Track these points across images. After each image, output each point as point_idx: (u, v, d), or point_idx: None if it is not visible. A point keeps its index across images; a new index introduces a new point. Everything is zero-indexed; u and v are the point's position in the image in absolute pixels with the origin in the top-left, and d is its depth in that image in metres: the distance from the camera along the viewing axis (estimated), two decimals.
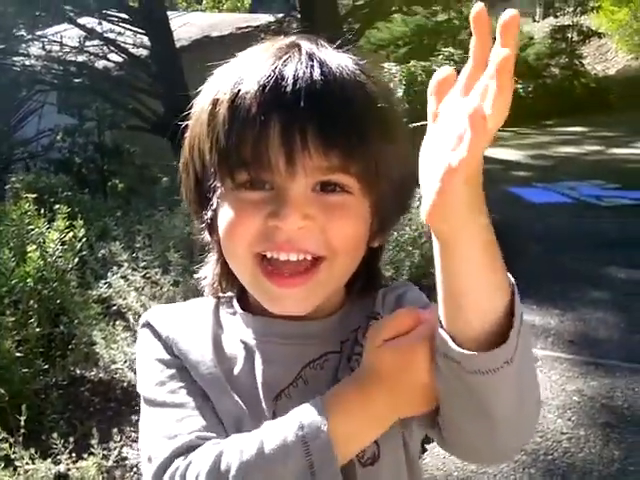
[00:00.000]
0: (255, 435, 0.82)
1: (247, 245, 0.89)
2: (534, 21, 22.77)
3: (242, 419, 0.90)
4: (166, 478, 0.84)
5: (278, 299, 0.90)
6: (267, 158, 0.85)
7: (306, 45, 0.90)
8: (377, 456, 0.94)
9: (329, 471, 0.76)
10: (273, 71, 0.86)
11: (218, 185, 0.92)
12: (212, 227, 0.96)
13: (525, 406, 0.81)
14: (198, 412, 0.89)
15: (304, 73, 0.85)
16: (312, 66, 0.86)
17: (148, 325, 1.00)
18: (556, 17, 20.41)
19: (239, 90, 0.87)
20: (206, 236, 0.99)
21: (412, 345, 0.83)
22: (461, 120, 0.64)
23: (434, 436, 0.92)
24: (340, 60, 0.90)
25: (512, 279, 0.75)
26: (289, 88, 0.84)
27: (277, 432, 0.79)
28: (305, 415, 0.79)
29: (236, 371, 0.94)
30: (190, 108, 0.97)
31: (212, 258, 1.03)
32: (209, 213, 0.95)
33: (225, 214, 0.91)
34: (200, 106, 0.93)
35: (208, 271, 1.04)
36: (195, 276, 1.08)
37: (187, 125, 0.97)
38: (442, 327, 0.76)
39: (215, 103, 0.89)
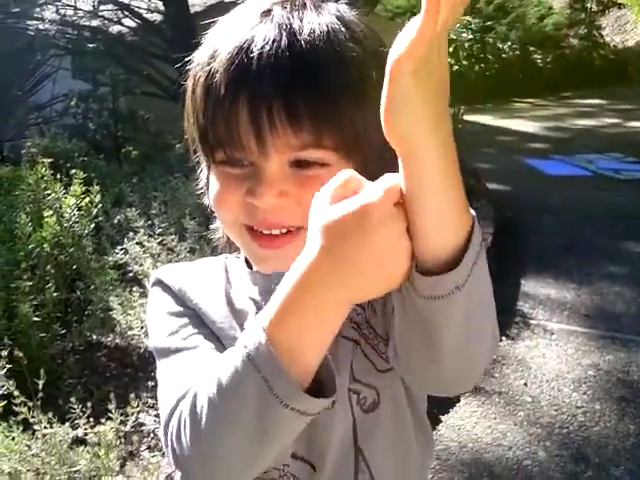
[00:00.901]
0: (214, 369, 0.80)
1: (235, 216, 0.91)
2: None
3: None
4: (172, 421, 0.84)
5: (264, 259, 0.92)
6: (239, 139, 0.85)
7: (279, 13, 0.88)
8: (377, 402, 0.96)
9: (283, 381, 0.71)
10: (241, 48, 0.85)
11: (202, 158, 0.95)
12: (208, 192, 0.98)
13: (475, 336, 0.77)
14: (213, 353, 0.90)
15: (270, 47, 0.84)
16: (280, 40, 0.84)
17: (159, 282, 1.01)
18: None
19: (211, 69, 0.87)
20: (205, 199, 1.01)
21: (365, 204, 0.69)
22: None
23: (399, 371, 0.91)
24: (315, 24, 0.87)
25: (472, 211, 0.72)
26: (254, 66, 0.83)
27: (228, 361, 0.76)
28: (246, 334, 0.76)
29: (246, 325, 0.95)
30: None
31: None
32: (203, 180, 0.99)
33: (212, 185, 0.93)
34: (189, 76, 0.94)
35: (217, 228, 1.08)
36: (211, 227, 1.11)
37: None
38: None
39: (194, 79, 0.91)
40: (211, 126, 0.88)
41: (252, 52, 0.84)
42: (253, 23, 0.87)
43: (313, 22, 0.87)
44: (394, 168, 0.82)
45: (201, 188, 1.02)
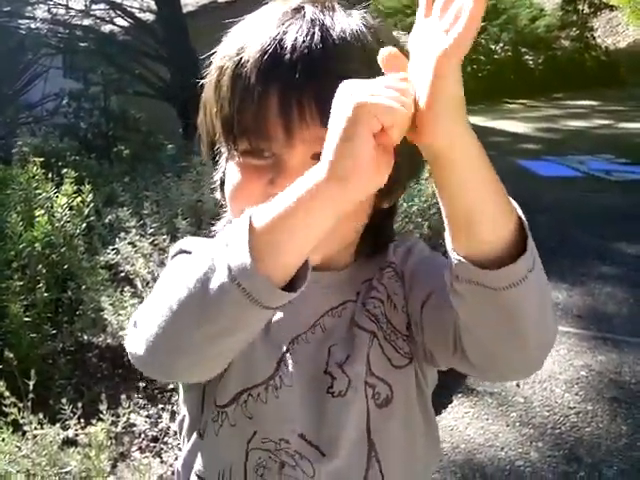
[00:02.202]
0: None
1: (251, 207, 0.89)
2: None
3: (255, 344, 0.92)
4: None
5: None
6: (266, 128, 0.86)
7: (310, 10, 0.89)
8: (390, 398, 0.97)
9: (256, 279, 0.70)
10: (274, 39, 0.86)
11: (224, 149, 0.94)
12: (222, 186, 0.98)
13: (548, 310, 0.82)
14: None
15: (303, 41, 0.85)
16: (313, 33, 0.86)
17: (182, 251, 0.98)
18: None
19: (241, 59, 0.87)
20: (218, 194, 1.01)
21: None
22: (452, 10, 0.65)
23: (456, 364, 0.92)
24: (345, 24, 0.89)
25: (512, 200, 0.76)
26: (287, 57, 0.84)
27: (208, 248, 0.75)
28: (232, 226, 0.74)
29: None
30: (197, 74, 0.98)
31: (226, 215, 1.05)
32: (219, 173, 0.99)
33: (230, 177, 0.93)
34: (211, 69, 0.94)
35: (221, 224, 1.08)
36: (214, 227, 1.10)
37: (193, 92, 1.00)
38: (456, 255, 0.76)
39: (221, 69, 0.91)
40: (237, 115, 0.88)
41: (285, 43, 0.85)
42: (285, 18, 0.88)
43: (343, 22, 0.90)
44: (413, 169, 0.94)
45: (215, 183, 1.02)
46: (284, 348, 0.96)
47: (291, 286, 0.73)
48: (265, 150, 0.89)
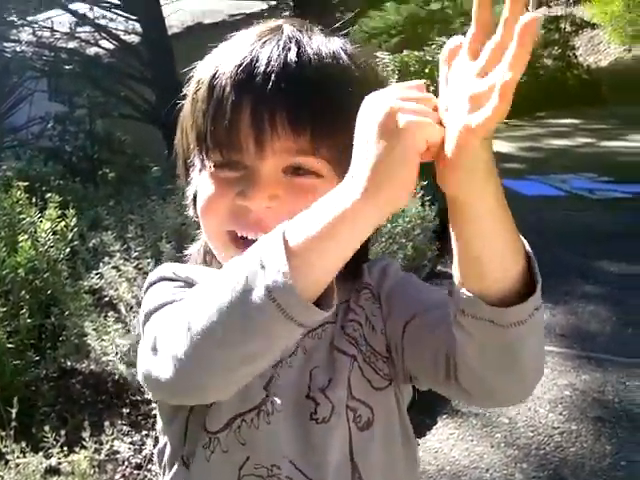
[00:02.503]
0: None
1: (219, 222, 0.92)
2: (527, 10, 22.68)
3: None
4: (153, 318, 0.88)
5: None
6: (238, 140, 0.87)
7: (289, 28, 0.92)
8: (372, 420, 0.98)
9: (293, 299, 0.70)
10: (250, 53, 0.88)
11: (197, 162, 0.95)
12: (195, 203, 0.98)
13: (543, 340, 0.86)
14: None
15: (279, 56, 0.87)
16: (289, 49, 0.88)
17: (162, 279, 0.98)
18: (549, 7, 20.39)
19: (217, 71, 0.90)
20: (190, 211, 1.02)
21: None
22: (473, 83, 0.67)
23: (446, 391, 0.95)
24: (322, 44, 0.91)
25: (522, 238, 0.79)
26: (261, 69, 0.86)
27: (236, 265, 0.76)
28: (265, 242, 0.74)
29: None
30: (181, 96, 1.00)
31: (200, 238, 1.06)
32: (192, 189, 0.99)
33: (202, 191, 0.94)
34: (190, 84, 0.97)
35: (195, 247, 1.08)
36: (184, 252, 1.11)
37: (178, 114, 1.01)
38: (465, 290, 0.78)
39: (197, 83, 0.93)
40: (211, 126, 0.89)
41: (261, 57, 0.87)
42: (263, 35, 0.91)
43: (320, 41, 0.92)
44: None
45: (188, 200, 1.02)
46: (269, 373, 0.96)
47: (318, 304, 0.74)
48: (237, 162, 0.90)
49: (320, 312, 0.72)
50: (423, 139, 0.69)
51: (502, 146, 13.06)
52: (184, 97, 0.99)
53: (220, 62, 0.91)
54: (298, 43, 0.89)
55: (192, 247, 1.09)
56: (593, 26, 19.99)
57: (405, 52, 15.93)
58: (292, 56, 0.87)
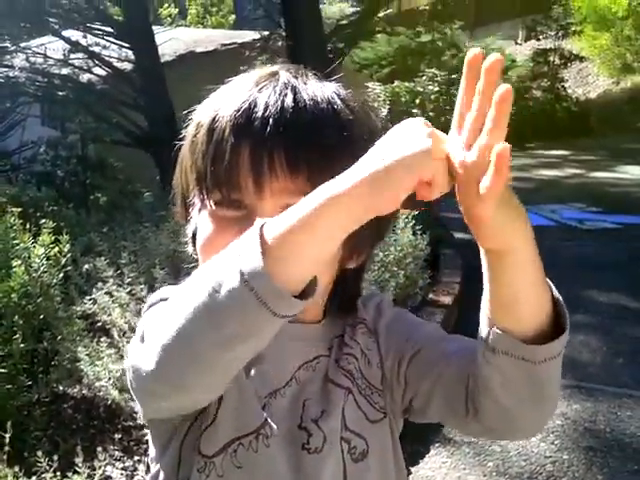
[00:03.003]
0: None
1: None
2: (516, 44, 22.97)
3: (245, 393, 0.95)
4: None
5: None
6: (237, 180, 0.90)
7: (285, 74, 0.96)
8: (366, 451, 1.01)
9: (268, 285, 0.72)
10: (248, 98, 0.91)
11: (197, 201, 0.98)
12: (194, 241, 1.01)
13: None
14: None
15: (276, 100, 0.91)
16: (285, 94, 0.91)
17: (162, 299, 0.98)
18: (538, 40, 20.60)
19: (216, 115, 0.93)
20: (190, 248, 1.04)
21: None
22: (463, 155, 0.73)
23: (467, 429, 1.01)
24: (317, 89, 0.95)
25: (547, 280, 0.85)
26: (259, 114, 0.90)
27: (217, 261, 0.78)
28: (243, 238, 0.76)
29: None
30: (174, 123, 1.04)
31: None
32: (192, 227, 1.01)
33: (201, 229, 0.97)
34: (189, 126, 1.00)
35: None
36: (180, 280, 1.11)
37: (171, 140, 1.05)
38: (498, 329, 0.84)
39: (197, 125, 0.96)
40: (211, 167, 0.92)
41: (258, 101, 0.91)
42: (260, 81, 0.95)
43: (315, 87, 0.96)
44: (379, 235, 1.01)
45: (187, 238, 1.04)
46: (263, 401, 0.97)
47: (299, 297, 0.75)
48: (237, 201, 0.92)
49: (295, 301, 0.74)
50: (423, 171, 0.73)
51: None
52: (177, 125, 1.02)
53: (219, 106, 0.94)
54: (294, 89, 0.93)
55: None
56: (582, 59, 20.20)
57: (396, 83, 16.06)
58: (289, 101, 0.91)
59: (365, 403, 1.02)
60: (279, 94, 0.91)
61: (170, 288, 1.03)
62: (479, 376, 0.90)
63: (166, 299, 0.97)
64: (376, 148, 0.75)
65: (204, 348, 0.77)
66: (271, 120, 0.89)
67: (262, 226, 0.74)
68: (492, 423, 0.93)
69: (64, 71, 10.52)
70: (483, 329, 0.87)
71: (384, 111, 13.00)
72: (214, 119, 0.93)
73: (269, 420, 0.96)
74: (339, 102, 0.96)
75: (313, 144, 0.90)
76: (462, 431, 1.01)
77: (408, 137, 0.73)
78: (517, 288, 0.81)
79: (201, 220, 0.97)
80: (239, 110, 0.91)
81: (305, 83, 0.95)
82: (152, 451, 1.04)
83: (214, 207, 0.94)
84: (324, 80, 0.99)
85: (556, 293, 0.86)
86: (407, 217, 5.21)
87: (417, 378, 1.01)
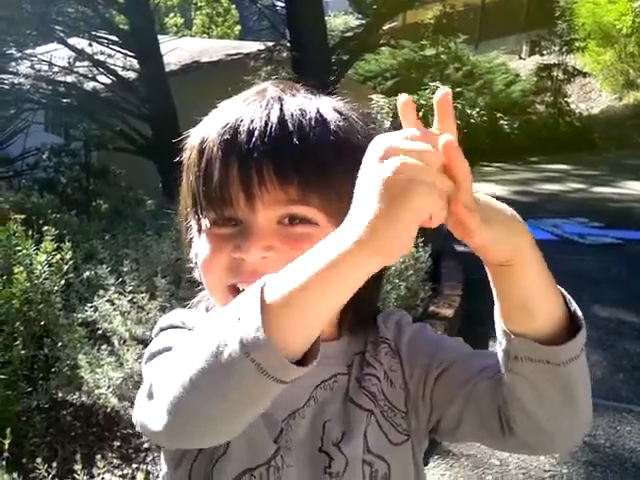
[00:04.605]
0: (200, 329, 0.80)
1: (219, 279, 0.93)
2: (520, 58, 23.04)
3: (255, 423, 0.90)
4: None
5: None
6: (229, 196, 0.90)
7: (272, 89, 0.96)
8: (388, 475, 0.99)
9: (270, 356, 0.69)
10: (234, 115, 0.92)
11: (194, 224, 0.98)
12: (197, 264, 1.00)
13: (589, 383, 0.91)
14: None
15: (261, 113, 0.90)
16: (272, 106, 0.91)
17: (172, 326, 0.99)
18: (542, 55, 20.65)
19: (205, 135, 0.94)
20: (195, 273, 1.02)
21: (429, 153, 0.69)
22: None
23: (504, 447, 0.98)
24: (306, 99, 0.95)
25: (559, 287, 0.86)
26: (245, 127, 0.90)
27: (216, 326, 0.75)
28: (243, 302, 0.73)
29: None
30: (177, 132, 1.05)
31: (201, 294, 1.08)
32: (193, 251, 1.01)
33: (200, 250, 0.96)
34: (185, 153, 1.00)
35: (197, 300, 1.10)
36: (185, 303, 1.12)
37: (174, 149, 1.04)
38: (517, 337, 0.84)
39: (190, 149, 0.97)
40: (203, 186, 0.92)
41: (245, 117, 0.91)
42: (248, 98, 0.95)
43: (304, 97, 0.95)
44: None
45: (192, 263, 1.03)
46: (281, 424, 0.95)
47: (303, 359, 0.72)
48: (230, 218, 0.92)
49: (297, 369, 0.71)
50: (427, 210, 0.68)
51: (494, 189, 13.16)
52: (181, 134, 1.03)
53: (207, 127, 0.95)
54: (281, 101, 0.93)
55: (195, 301, 1.10)
56: (585, 74, 20.25)
57: (399, 96, 16.07)
58: (275, 112, 0.90)
59: (388, 425, 1.00)
60: (265, 107, 0.91)
61: (181, 313, 1.03)
62: (507, 388, 0.89)
63: (176, 326, 0.98)
64: (369, 186, 0.68)
65: (215, 415, 0.77)
66: (256, 132, 0.89)
67: (263, 286, 0.71)
68: (527, 437, 0.92)
69: (69, 79, 10.55)
70: (502, 342, 0.86)
71: (387, 123, 13.04)
72: (203, 139, 0.94)
73: (282, 450, 0.94)
74: (330, 111, 0.95)
75: (301, 152, 0.89)
76: (499, 449, 0.99)
77: (405, 173, 0.67)
78: (527, 292, 0.81)
79: (199, 242, 0.97)
80: (225, 126, 0.91)
81: (294, 95, 0.95)
82: (164, 468, 1.04)
83: (209, 226, 0.94)
84: (318, 94, 0.98)
85: (566, 295, 0.86)
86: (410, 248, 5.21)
87: (444, 399, 0.99)
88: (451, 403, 0.98)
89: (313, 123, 0.91)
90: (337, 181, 0.89)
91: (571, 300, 0.86)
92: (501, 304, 0.84)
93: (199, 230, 0.97)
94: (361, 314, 1.03)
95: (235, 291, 0.92)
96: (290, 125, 0.90)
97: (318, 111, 0.93)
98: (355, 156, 0.88)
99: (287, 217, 0.90)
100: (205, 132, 0.94)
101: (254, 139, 0.88)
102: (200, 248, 0.96)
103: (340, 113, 0.96)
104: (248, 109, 0.92)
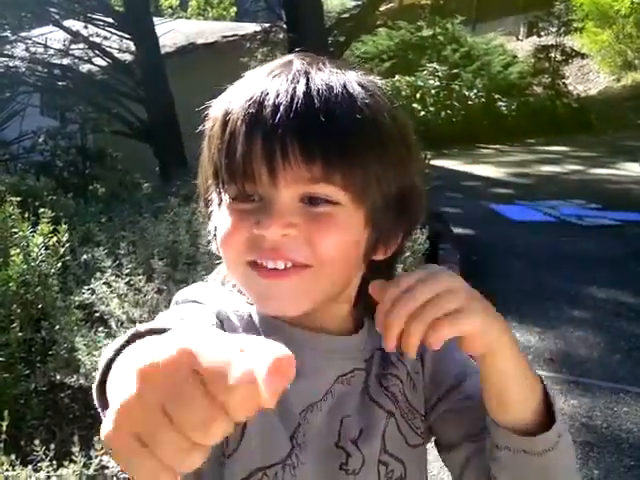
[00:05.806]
0: None
1: (238, 254, 0.91)
2: (518, 40, 22.97)
3: (271, 421, 0.89)
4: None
5: (268, 295, 0.89)
6: (251, 171, 0.87)
7: (298, 62, 0.93)
8: (404, 476, 0.98)
9: None
10: (260, 87, 0.89)
11: (215, 197, 0.95)
12: (216, 237, 0.98)
13: (575, 468, 0.96)
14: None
15: (287, 88, 0.87)
16: (297, 81, 0.88)
17: (186, 301, 0.96)
18: (540, 36, 20.59)
19: (229, 107, 0.90)
20: (213, 246, 1.00)
21: None
22: None
23: None
24: (332, 74, 0.91)
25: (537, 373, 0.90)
26: (270, 102, 0.86)
27: None
28: None
29: None
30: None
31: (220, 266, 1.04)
32: (212, 225, 0.98)
33: (220, 224, 0.93)
34: (207, 123, 0.97)
35: (213, 276, 1.06)
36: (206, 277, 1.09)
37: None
38: (495, 425, 0.87)
39: (213, 120, 0.94)
40: (225, 160, 0.89)
41: (270, 90, 0.88)
42: (273, 71, 0.92)
43: (330, 72, 0.92)
44: (409, 222, 0.98)
45: (210, 236, 1.01)
46: (298, 418, 0.93)
47: None
48: (252, 193, 0.89)
49: None
50: None
51: (492, 171, 13.17)
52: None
53: (232, 99, 0.91)
54: (307, 75, 0.90)
55: (212, 275, 1.08)
56: (583, 56, 20.21)
57: (397, 77, 16.06)
58: (301, 87, 0.87)
59: (406, 427, 0.99)
60: (291, 81, 0.88)
61: (200, 289, 0.99)
62: (492, 473, 0.91)
63: (195, 301, 0.94)
64: None
65: None
66: (282, 107, 0.86)
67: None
68: None
69: (64, 61, 10.51)
70: (489, 430, 0.89)
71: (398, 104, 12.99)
72: (227, 111, 0.90)
73: (297, 447, 0.92)
74: (356, 87, 0.91)
75: (327, 130, 0.86)
76: None
77: None
78: (502, 382, 0.84)
79: (220, 215, 0.94)
80: (250, 99, 0.88)
81: (320, 70, 0.91)
82: None
83: (230, 201, 0.92)
84: (344, 67, 0.95)
85: (548, 387, 0.89)
86: None
87: (452, 435, 0.99)
88: (457, 448, 0.98)
89: (340, 99, 0.88)
90: (362, 160, 0.87)
91: (549, 391, 0.88)
92: (482, 392, 0.88)
93: (219, 203, 0.94)
94: (372, 307, 0.99)
95: (255, 266, 0.90)
96: (317, 101, 0.87)
97: (345, 87, 0.90)
98: (380, 134, 0.89)
99: (309, 195, 0.88)
100: (229, 104, 0.91)
101: (279, 114, 0.85)
102: (220, 222, 0.94)
103: (366, 89, 0.92)
104: (274, 82, 0.89)
